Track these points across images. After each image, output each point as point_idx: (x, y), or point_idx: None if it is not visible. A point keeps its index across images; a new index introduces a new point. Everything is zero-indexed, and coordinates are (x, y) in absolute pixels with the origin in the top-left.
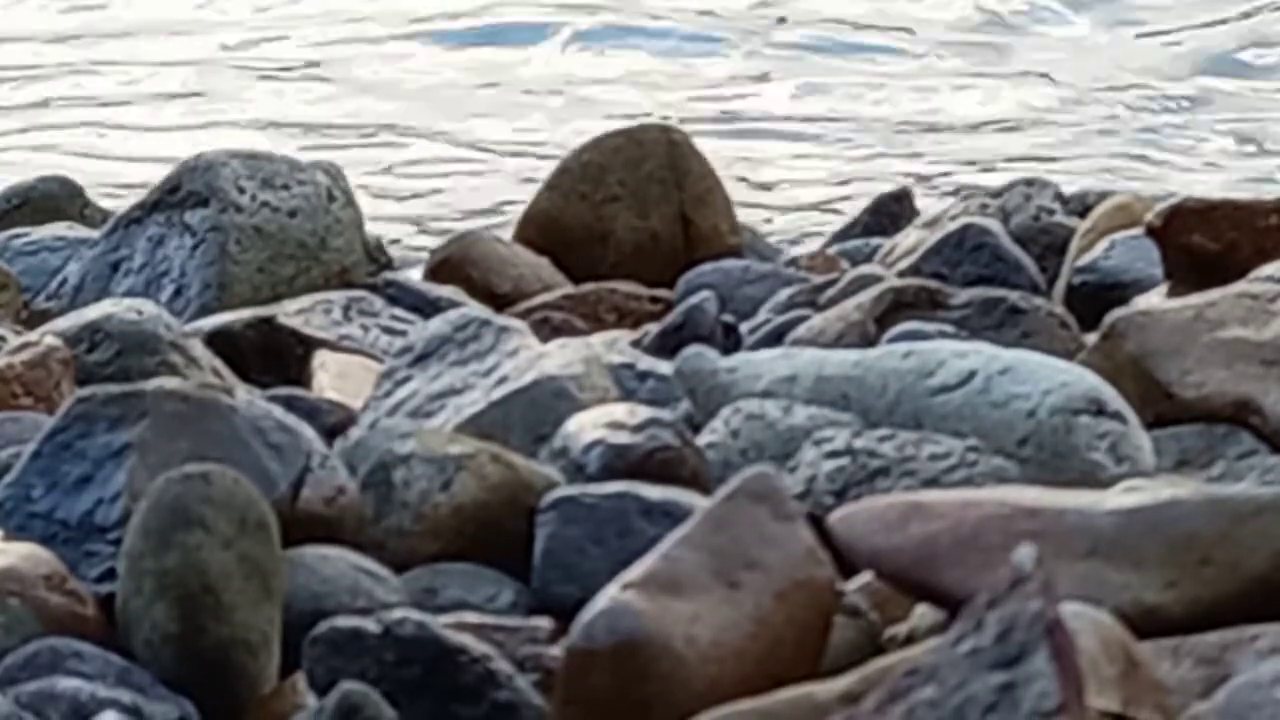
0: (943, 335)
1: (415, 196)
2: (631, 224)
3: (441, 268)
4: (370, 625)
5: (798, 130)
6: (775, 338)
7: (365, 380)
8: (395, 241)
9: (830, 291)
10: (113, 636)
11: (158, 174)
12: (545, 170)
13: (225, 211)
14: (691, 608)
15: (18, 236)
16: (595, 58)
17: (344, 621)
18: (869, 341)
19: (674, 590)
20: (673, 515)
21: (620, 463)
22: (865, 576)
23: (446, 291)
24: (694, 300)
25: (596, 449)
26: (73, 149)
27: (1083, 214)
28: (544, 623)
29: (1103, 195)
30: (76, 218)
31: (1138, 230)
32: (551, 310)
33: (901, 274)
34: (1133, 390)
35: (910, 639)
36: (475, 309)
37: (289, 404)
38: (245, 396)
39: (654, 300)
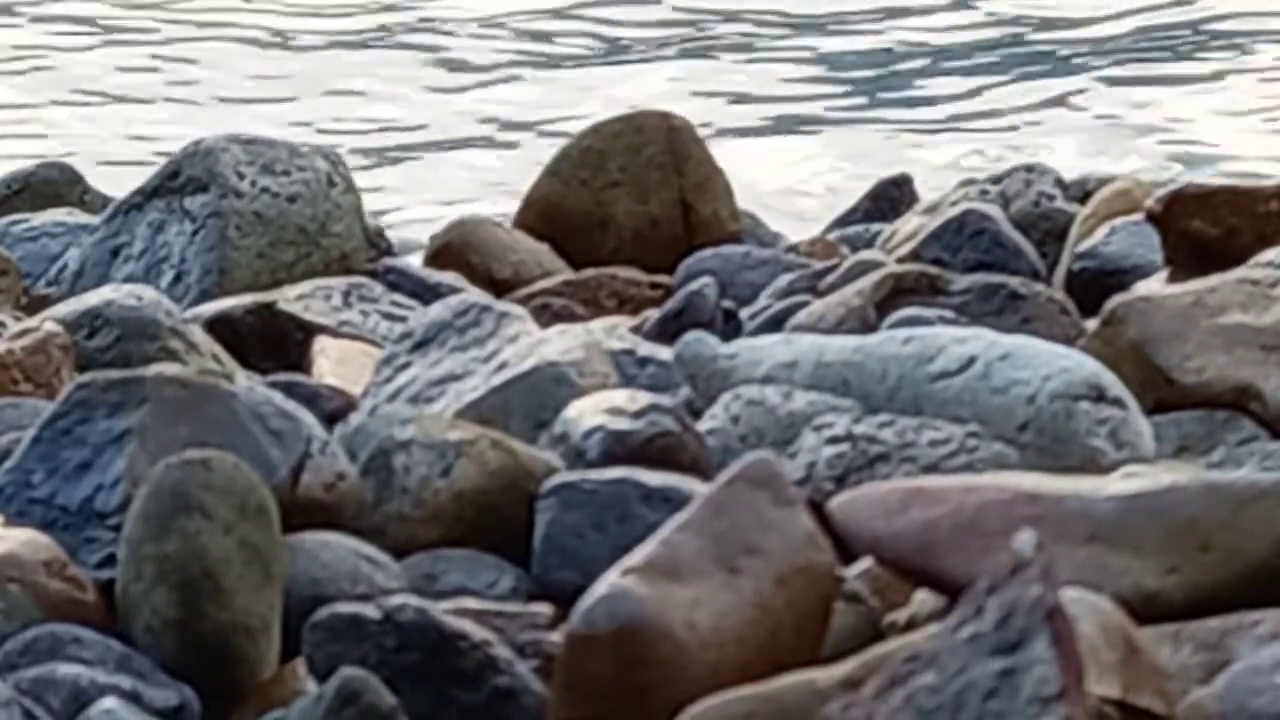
0: (943, 321)
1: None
2: (631, 210)
3: (441, 253)
4: (370, 611)
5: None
6: (775, 323)
7: (365, 366)
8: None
9: (830, 277)
10: (113, 622)
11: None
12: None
13: (225, 197)
14: (691, 593)
15: (18, 222)
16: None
17: (344, 607)
18: (869, 327)
19: (674, 576)
20: (673, 501)
21: (620, 448)
22: (865, 562)
23: (446, 277)
24: (694, 286)
25: (596, 435)
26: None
27: (1083, 199)
28: (544, 608)
29: (1103, 181)
30: (76, 203)
31: (1138, 216)
32: (551, 296)
33: (902, 260)
34: (1133, 376)
35: (910, 625)
36: (475, 295)
37: (289, 390)
38: (245, 382)
39: (654, 286)
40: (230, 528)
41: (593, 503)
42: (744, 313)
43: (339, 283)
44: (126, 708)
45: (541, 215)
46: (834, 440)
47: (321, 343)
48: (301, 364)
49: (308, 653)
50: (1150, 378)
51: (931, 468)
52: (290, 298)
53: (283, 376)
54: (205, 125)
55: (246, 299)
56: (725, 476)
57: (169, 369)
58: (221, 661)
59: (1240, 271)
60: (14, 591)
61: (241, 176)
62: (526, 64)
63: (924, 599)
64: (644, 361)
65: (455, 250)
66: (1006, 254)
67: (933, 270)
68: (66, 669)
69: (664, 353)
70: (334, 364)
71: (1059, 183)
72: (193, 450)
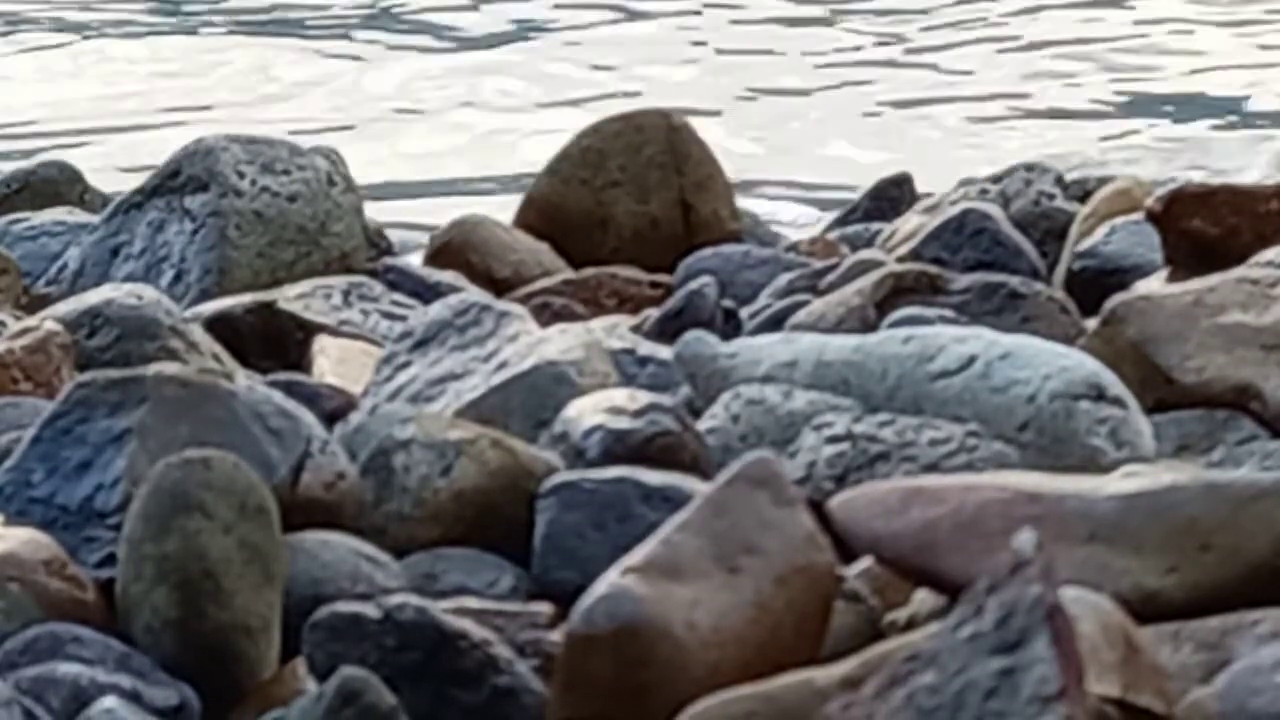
0: (943, 320)
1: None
2: (631, 209)
3: (441, 252)
4: (370, 610)
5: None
6: (775, 323)
7: (365, 365)
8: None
9: (830, 276)
10: (113, 622)
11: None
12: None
13: (225, 196)
14: (691, 593)
15: (17, 221)
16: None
17: (344, 607)
18: (869, 326)
19: (674, 575)
20: (673, 500)
21: (620, 448)
22: (865, 562)
23: (446, 276)
24: (694, 285)
25: (597, 434)
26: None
27: (1083, 199)
28: (544, 608)
29: (1103, 180)
30: (76, 202)
31: (1138, 215)
32: (551, 295)
33: (901, 259)
34: (1133, 375)
35: (910, 624)
36: (475, 294)
37: (289, 389)
38: (245, 382)
39: (654, 285)
40: (230, 527)
41: (593, 502)
42: (744, 312)
43: (339, 282)
44: (126, 707)
45: (541, 214)
46: (834, 439)
47: (321, 342)
48: (301, 363)
49: (308, 652)
50: (1150, 377)
51: (931, 467)
52: (290, 297)
53: (283, 376)
54: (205, 124)
55: (246, 298)
56: (725, 476)
57: (169, 368)
58: (221, 661)
59: (1240, 271)
60: (14, 591)
61: (241, 175)
62: (527, 58)
63: (924, 598)
64: (644, 360)
65: (455, 249)
66: (1006, 253)
67: (933, 269)
68: (66, 668)
69: (664, 352)
70: (334, 363)
71: (1059, 182)
72: (193, 449)
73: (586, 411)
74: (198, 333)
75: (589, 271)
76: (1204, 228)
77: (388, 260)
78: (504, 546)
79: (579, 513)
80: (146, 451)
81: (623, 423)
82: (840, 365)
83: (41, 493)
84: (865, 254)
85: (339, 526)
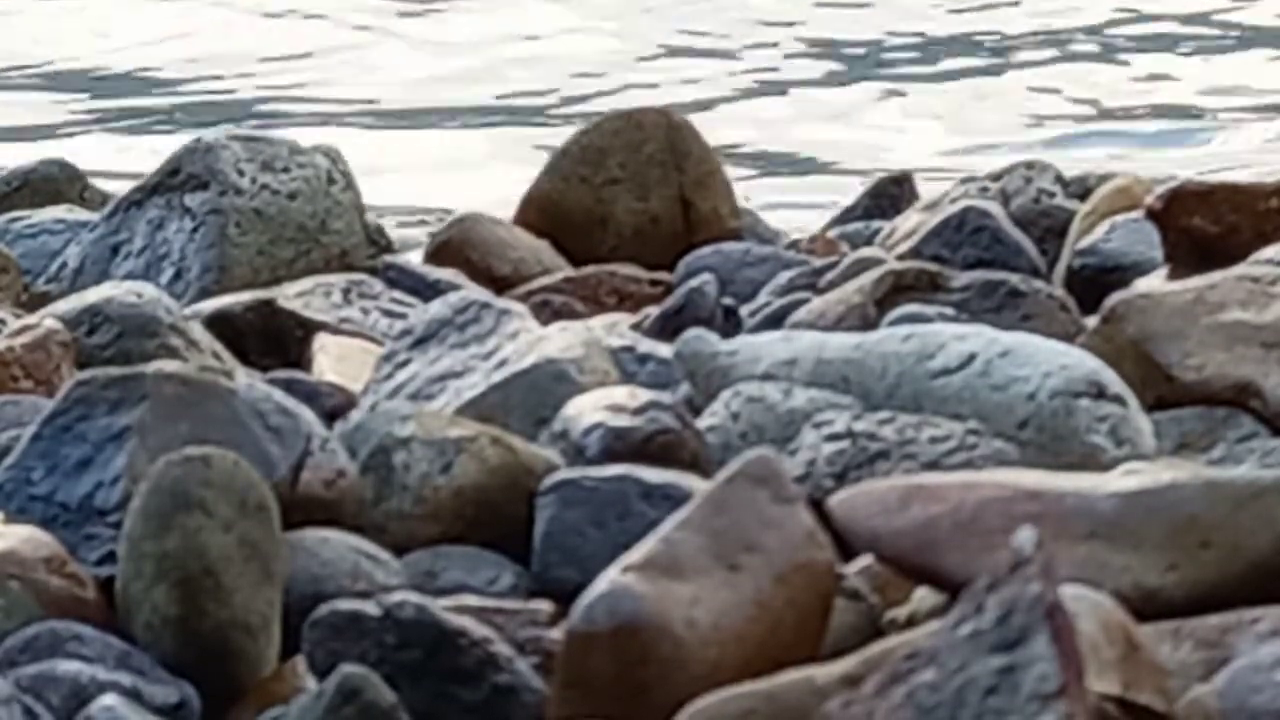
0: (943, 318)
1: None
2: (631, 207)
3: (441, 250)
4: (370, 608)
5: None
6: (775, 320)
7: (365, 363)
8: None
9: (830, 274)
10: (113, 619)
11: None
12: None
13: (225, 194)
14: (691, 591)
15: (17, 219)
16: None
17: (344, 604)
18: (869, 324)
19: (674, 573)
20: (673, 498)
21: (620, 445)
22: (865, 559)
23: (446, 274)
24: (694, 283)
25: (597, 432)
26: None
27: (1083, 197)
28: (544, 606)
29: (1103, 178)
30: (76, 200)
31: (1138, 213)
32: (551, 293)
33: (901, 257)
34: (1133, 373)
35: (910, 622)
36: (475, 292)
37: (289, 387)
38: (245, 379)
39: (654, 283)
40: (230, 525)
41: (593, 500)
42: (744, 310)
43: (339, 280)
44: (127, 705)
45: (541, 212)
46: (834, 437)
47: (321, 340)
48: (301, 361)
49: (308, 650)
50: (1150, 375)
51: (931, 465)
52: (290, 295)
53: (283, 373)
54: (205, 121)
55: (246, 296)
56: (725, 474)
57: (169, 366)
58: (221, 659)
59: (1240, 269)
60: (14, 588)
61: (241, 174)
62: (527, 59)
63: (924, 596)
64: (644, 358)
65: (455, 247)
66: (1006, 251)
67: (933, 267)
68: (66, 666)
69: (664, 350)
70: (334, 361)
71: (1059, 179)
72: (193, 447)
73: (586, 409)
74: (197, 330)
75: (589, 269)
76: (1204, 225)
77: (388, 258)
78: (504, 544)
79: (579, 510)
80: (146, 449)
81: (623, 420)
82: (840, 363)
83: (41, 490)
84: (865, 252)
85: (339, 524)
